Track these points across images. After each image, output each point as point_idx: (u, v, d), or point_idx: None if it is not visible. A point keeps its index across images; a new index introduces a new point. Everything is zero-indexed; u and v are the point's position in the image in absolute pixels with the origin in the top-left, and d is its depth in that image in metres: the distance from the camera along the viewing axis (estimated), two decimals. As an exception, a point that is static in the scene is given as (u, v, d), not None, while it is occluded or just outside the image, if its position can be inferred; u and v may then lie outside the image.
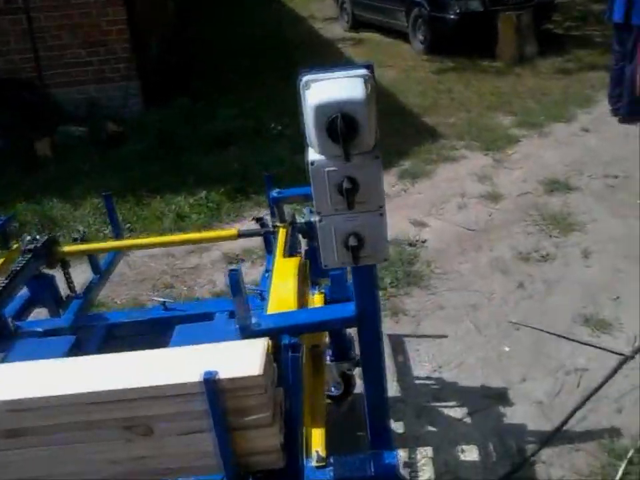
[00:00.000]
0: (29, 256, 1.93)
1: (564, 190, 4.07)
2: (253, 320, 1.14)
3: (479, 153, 4.80)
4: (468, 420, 2.25)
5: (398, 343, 2.69)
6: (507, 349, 2.65)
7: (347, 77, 0.98)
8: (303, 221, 2.03)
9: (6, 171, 4.79)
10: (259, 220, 2.16)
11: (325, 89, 0.95)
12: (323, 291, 1.89)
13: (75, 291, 2.17)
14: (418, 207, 3.99)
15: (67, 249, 2.07)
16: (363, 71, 1.00)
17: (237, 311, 1.13)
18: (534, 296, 3.02)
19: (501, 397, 2.35)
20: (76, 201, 4.26)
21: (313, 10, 11.77)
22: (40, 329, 1.92)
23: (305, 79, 1.00)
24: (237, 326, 1.15)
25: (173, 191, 4.30)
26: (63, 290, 2.08)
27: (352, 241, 1.06)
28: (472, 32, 7.30)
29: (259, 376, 0.97)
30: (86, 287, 2.17)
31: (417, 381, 2.46)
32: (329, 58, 8.19)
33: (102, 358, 1.10)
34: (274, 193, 1.85)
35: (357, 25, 9.70)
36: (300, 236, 2.04)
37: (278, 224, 1.88)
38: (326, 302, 1.84)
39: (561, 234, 3.54)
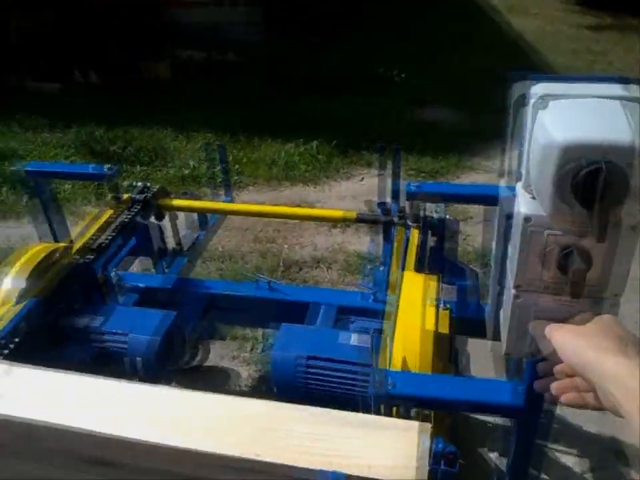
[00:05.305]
0: (138, 207, 1.88)
1: None
2: (388, 379, 0.90)
3: None
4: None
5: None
6: None
7: (612, 99, 0.63)
8: (436, 217, 1.75)
9: (123, 92, 4.78)
10: (381, 205, 1.89)
11: (582, 120, 0.61)
12: (448, 306, 1.59)
13: (181, 244, 2.13)
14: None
15: (176, 203, 1.99)
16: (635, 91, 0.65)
17: (374, 375, 0.90)
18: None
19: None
20: (189, 133, 4.18)
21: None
22: (142, 285, 1.88)
23: (537, 90, 0.66)
24: (370, 391, 0.92)
25: (285, 136, 4.09)
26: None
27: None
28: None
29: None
30: (191, 244, 2.11)
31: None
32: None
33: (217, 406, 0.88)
34: (412, 186, 1.55)
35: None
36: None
37: (410, 223, 1.60)
38: (451, 320, 1.55)
39: None
